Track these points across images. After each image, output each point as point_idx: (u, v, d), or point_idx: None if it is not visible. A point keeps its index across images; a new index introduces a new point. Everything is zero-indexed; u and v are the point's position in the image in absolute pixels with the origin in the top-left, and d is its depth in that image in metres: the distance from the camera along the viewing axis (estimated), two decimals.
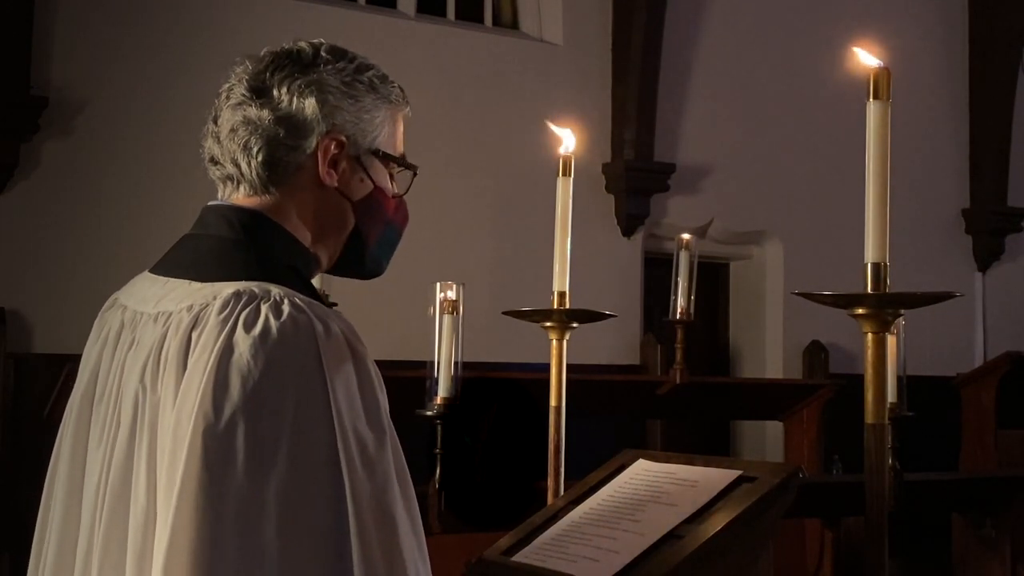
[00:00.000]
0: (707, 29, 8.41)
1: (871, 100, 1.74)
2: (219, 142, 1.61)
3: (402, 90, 1.69)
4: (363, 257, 1.69)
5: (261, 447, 1.38)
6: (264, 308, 1.44)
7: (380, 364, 1.54)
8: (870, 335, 1.73)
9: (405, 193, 1.72)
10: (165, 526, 1.39)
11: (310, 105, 1.58)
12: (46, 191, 6.31)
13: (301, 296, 1.47)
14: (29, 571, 1.65)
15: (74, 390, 1.65)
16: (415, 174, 1.72)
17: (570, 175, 2.36)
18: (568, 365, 2.38)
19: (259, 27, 6.62)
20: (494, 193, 7.60)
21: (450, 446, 3.20)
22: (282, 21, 6.78)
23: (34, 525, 1.67)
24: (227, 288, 1.47)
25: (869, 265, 1.72)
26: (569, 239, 2.35)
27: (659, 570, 1.78)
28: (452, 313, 3.11)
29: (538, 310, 2.38)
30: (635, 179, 7.96)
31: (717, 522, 1.81)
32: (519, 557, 1.97)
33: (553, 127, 2.35)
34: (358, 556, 1.38)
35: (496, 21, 8.05)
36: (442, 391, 3.13)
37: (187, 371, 1.44)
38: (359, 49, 1.69)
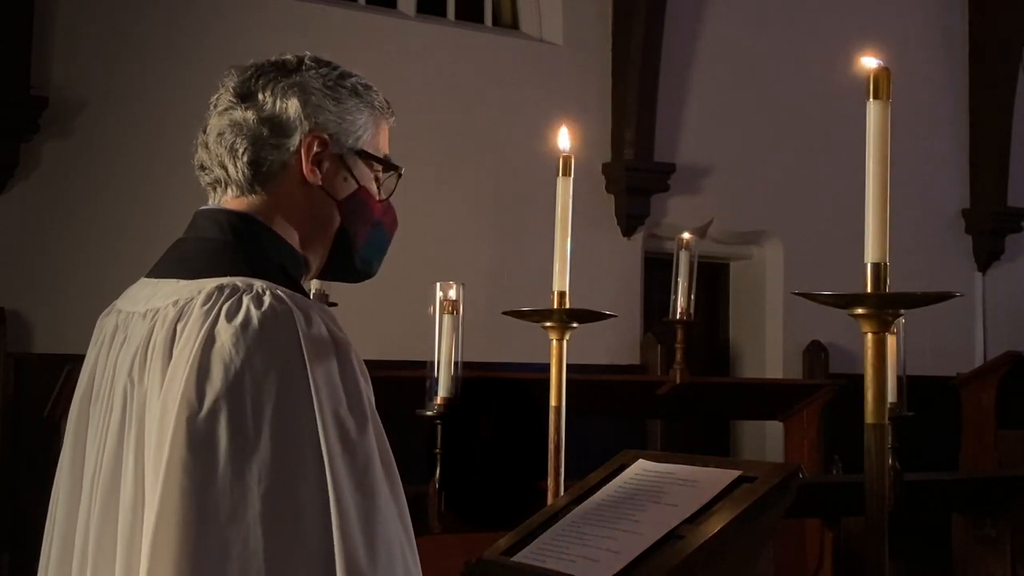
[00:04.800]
0: (707, 29, 8.41)
1: (871, 100, 1.74)
2: (207, 148, 1.66)
3: (387, 101, 1.74)
4: (351, 258, 1.72)
5: (243, 432, 1.42)
6: (246, 299, 1.48)
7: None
8: (870, 335, 1.73)
9: (390, 196, 1.76)
10: (151, 512, 1.43)
11: (292, 105, 1.64)
12: (46, 191, 6.31)
13: (284, 288, 1.51)
14: (40, 570, 1.68)
15: (74, 395, 1.69)
16: (400, 176, 1.76)
17: (570, 175, 2.36)
18: (568, 365, 2.38)
19: (260, 27, 6.63)
20: (494, 193, 7.59)
21: (450, 446, 3.20)
22: (283, 21, 6.78)
23: (35, 524, 1.69)
24: (211, 282, 1.52)
25: (869, 265, 1.72)
26: (569, 239, 2.35)
27: (659, 570, 1.78)
28: (452, 313, 3.10)
29: (538, 310, 2.38)
30: (635, 179, 7.96)
31: (717, 522, 1.81)
32: (519, 557, 1.97)
33: (564, 132, 2.35)
34: (338, 536, 1.41)
35: (496, 21, 8.05)
36: (442, 391, 3.12)
37: (172, 361, 1.49)
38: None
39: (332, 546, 1.41)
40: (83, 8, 6.46)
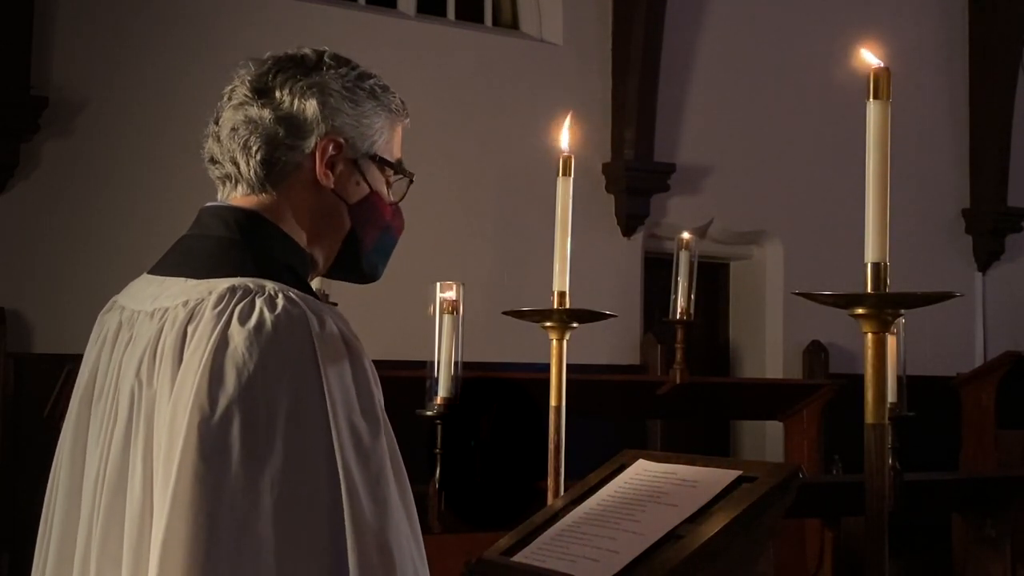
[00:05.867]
0: (707, 29, 8.41)
1: (871, 100, 1.74)
2: (219, 141, 1.63)
3: (403, 102, 1.71)
4: (359, 261, 1.70)
5: (256, 438, 1.40)
6: (259, 302, 1.46)
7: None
8: (870, 335, 1.73)
9: (401, 200, 1.74)
10: (161, 518, 1.40)
11: (311, 106, 1.60)
12: (46, 191, 6.31)
13: (296, 291, 1.49)
14: (33, 572, 1.66)
15: (74, 392, 1.66)
16: (411, 182, 1.74)
17: (570, 175, 2.36)
18: (568, 365, 2.38)
19: (260, 27, 6.62)
20: (494, 193, 7.60)
21: (450, 446, 3.20)
22: (283, 21, 6.78)
23: (35, 524, 1.68)
24: (223, 283, 1.49)
25: (869, 265, 1.72)
26: (569, 239, 2.36)
27: (659, 570, 1.78)
28: (452, 313, 3.10)
29: (538, 310, 2.38)
30: (635, 179, 7.96)
31: (717, 522, 1.81)
32: (519, 557, 1.97)
33: (567, 124, 2.36)
34: (352, 544, 1.40)
35: (496, 21, 8.05)
36: (442, 391, 3.12)
37: (183, 364, 1.46)
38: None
39: (345, 554, 1.39)
40: (83, 8, 6.46)
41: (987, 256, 9.55)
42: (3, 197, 6.23)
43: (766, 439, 8.25)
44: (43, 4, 6.30)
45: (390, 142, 1.70)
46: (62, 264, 6.30)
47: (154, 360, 1.50)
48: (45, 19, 6.31)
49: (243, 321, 1.44)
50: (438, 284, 3.14)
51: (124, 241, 6.20)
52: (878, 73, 1.74)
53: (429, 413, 3.13)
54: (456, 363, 3.12)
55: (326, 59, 1.64)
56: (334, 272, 1.72)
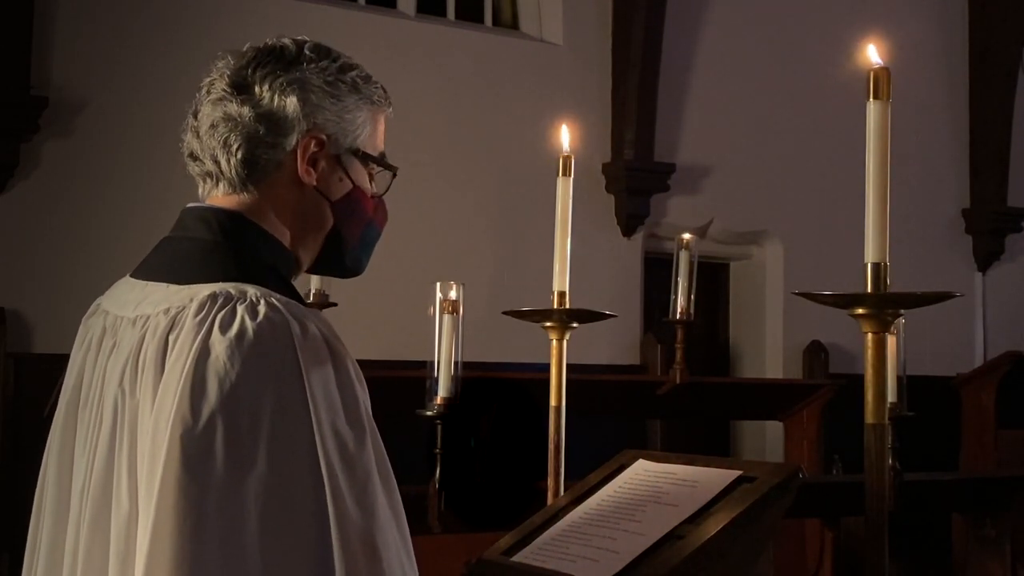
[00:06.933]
0: (707, 29, 8.41)
1: (871, 100, 1.74)
2: (199, 137, 1.61)
3: (384, 90, 1.69)
4: (342, 257, 1.69)
5: (239, 448, 1.38)
6: (240, 309, 1.44)
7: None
8: (870, 335, 1.73)
9: (384, 193, 1.72)
10: (146, 528, 1.39)
11: (291, 103, 1.58)
12: (46, 191, 6.31)
13: (278, 296, 1.47)
14: None
15: (60, 398, 1.64)
16: (395, 175, 1.72)
17: (570, 175, 2.36)
18: (568, 365, 2.38)
19: (259, 26, 6.61)
20: (494, 193, 7.59)
21: (450, 446, 3.20)
22: (283, 21, 6.77)
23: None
24: (203, 290, 1.47)
25: (869, 265, 1.72)
26: (569, 239, 2.36)
27: (659, 570, 1.78)
28: (452, 313, 3.10)
29: (538, 310, 2.38)
30: (635, 179, 7.96)
31: (717, 522, 1.81)
32: (519, 557, 1.97)
33: (564, 131, 2.36)
34: (339, 550, 1.39)
35: (496, 21, 8.05)
36: (442, 391, 3.12)
37: (164, 374, 1.44)
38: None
39: (332, 564, 1.38)
40: (83, 8, 6.46)
41: (987, 256, 9.55)
42: (3, 197, 6.23)
43: (766, 439, 8.25)
44: (43, 4, 6.29)
45: (373, 135, 1.67)
46: (62, 264, 6.30)
47: (136, 370, 1.49)
48: (45, 19, 6.31)
49: (224, 330, 1.42)
50: (438, 284, 3.14)
51: (124, 241, 6.19)
52: (878, 73, 1.74)
53: (429, 413, 3.14)
54: (456, 363, 3.12)
55: (306, 51, 1.61)
56: (318, 268, 1.70)
